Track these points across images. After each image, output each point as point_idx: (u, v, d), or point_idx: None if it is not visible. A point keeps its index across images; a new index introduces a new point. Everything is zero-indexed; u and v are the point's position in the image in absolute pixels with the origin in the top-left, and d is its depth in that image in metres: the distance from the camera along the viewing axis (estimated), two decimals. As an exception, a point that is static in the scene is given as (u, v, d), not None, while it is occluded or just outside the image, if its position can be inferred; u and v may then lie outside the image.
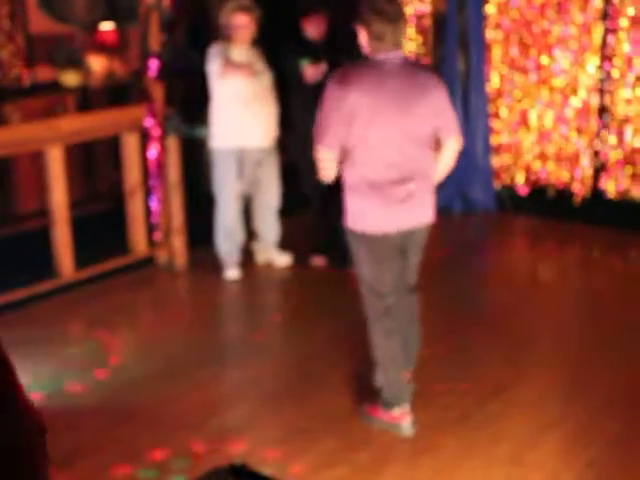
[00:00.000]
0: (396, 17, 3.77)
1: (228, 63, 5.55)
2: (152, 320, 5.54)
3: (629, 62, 6.76)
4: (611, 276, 5.99)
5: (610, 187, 7.01)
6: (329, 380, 4.46)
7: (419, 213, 3.90)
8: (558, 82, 7.14)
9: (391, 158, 3.78)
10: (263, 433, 4.05)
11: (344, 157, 3.82)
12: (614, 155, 6.96)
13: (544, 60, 7.18)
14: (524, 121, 7.40)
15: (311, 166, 5.86)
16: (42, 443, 1.30)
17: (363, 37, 3.84)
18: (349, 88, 3.71)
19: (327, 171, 3.85)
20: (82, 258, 5.83)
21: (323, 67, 5.64)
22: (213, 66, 5.60)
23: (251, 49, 5.82)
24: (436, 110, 3.86)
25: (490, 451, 3.85)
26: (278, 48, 5.89)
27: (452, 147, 3.99)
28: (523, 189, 7.51)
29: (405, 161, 3.80)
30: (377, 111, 3.72)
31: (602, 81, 6.93)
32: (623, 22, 6.73)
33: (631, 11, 6.66)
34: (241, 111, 5.70)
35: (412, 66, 3.90)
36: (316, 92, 5.74)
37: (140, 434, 4.04)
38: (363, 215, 3.85)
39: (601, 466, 3.72)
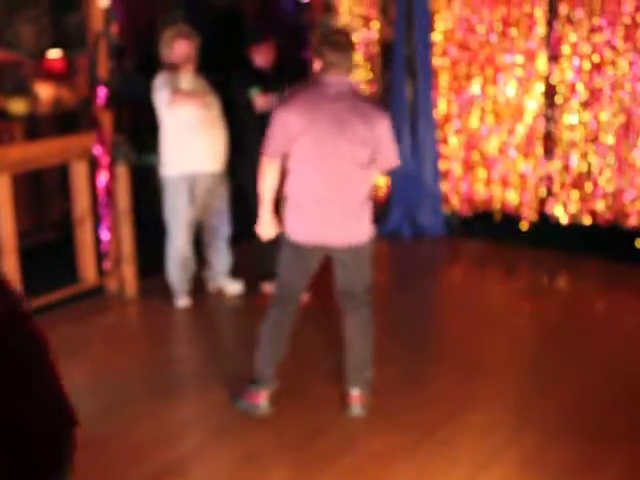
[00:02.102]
0: (346, 47, 4.08)
1: (177, 92, 5.54)
2: (103, 350, 5.48)
3: (572, 88, 6.90)
4: (560, 300, 6.07)
5: (557, 211, 7.13)
6: (282, 408, 4.45)
7: (342, 233, 4.21)
8: (504, 108, 7.25)
9: (321, 177, 4.08)
10: (215, 463, 4.03)
11: (285, 171, 4.19)
12: (560, 179, 7.07)
13: (489, 87, 7.29)
14: (471, 146, 7.50)
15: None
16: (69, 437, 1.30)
17: (317, 65, 4.10)
18: (289, 107, 4.04)
19: (266, 184, 4.21)
20: (31, 288, 5.75)
21: (273, 96, 5.67)
22: (161, 95, 5.58)
23: (198, 77, 5.83)
24: (375, 140, 4.09)
25: (445, 476, 3.87)
26: (227, 77, 5.90)
27: (374, 177, 4.38)
28: (472, 214, 7.60)
29: (334, 181, 4.09)
30: (312, 131, 4.01)
31: (547, 107, 7.05)
32: (565, 49, 6.86)
33: (573, 38, 6.80)
34: (191, 138, 5.70)
35: (356, 94, 4.16)
36: (266, 120, 5.78)
37: (92, 469, 3.99)
38: (290, 223, 4.20)
39: (553, 489, 3.76)
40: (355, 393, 4.40)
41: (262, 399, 4.39)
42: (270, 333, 4.36)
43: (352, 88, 4.12)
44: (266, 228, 4.32)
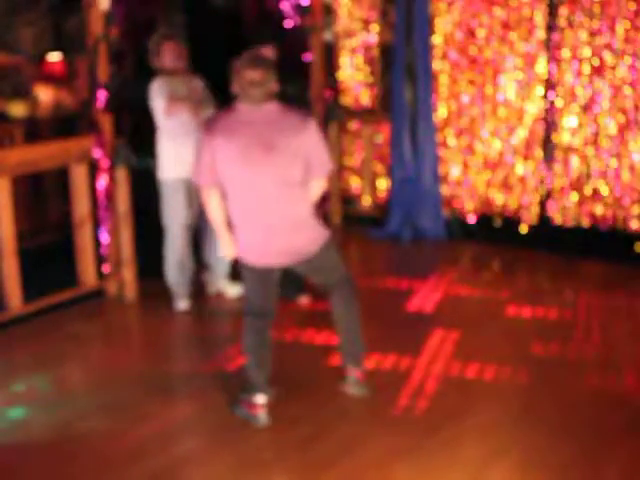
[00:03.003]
0: (259, 84, 4.08)
1: (173, 100, 5.55)
2: (102, 353, 5.48)
3: (572, 92, 6.90)
4: (559, 302, 6.07)
5: (557, 214, 7.13)
6: (281, 410, 4.44)
7: (291, 251, 4.23)
8: (504, 112, 7.26)
9: (255, 200, 4.12)
10: (215, 466, 4.02)
11: (223, 195, 4.22)
12: (560, 183, 7.08)
13: (489, 90, 7.29)
14: (471, 150, 7.50)
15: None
16: None
17: (235, 88, 4.16)
18: (214, 135, 4.08)
19: (212, 211, 4.26)
20: (31, 291, 5.76)
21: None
22: (157, 103, 5.60)
23: (193, 80, 5.84)
24: (305, 151, 4.15)
25: (445, 476, 3.87)
26: (226, 80, 5.90)
27: (318, 186, 4.31)
28: (472, 217, 7.60)
29: (269, 203, 4.12)
30: (237, 155, 4.05)
31: (547, 111, 7.05)
32: (565, 53, 6.87)
33: (573, 41, 6.80)
34: (187, 142, 5.69)
35: (280, 112, 4.16)
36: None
37: (91, 470, 3.99)
38: (239, 248, 4.26)
39: (553, 491, 3.76)
40: (351, 370, 4.57)
41: (260, 411, 4.36)
42: (253, 343, 4.37)
43: (271, 111, 4.13)
44: (226, 249, 4.34)
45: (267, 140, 4.05)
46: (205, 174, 4.16)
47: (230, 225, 4.27)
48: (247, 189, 4.10)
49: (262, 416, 4.36)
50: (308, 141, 4.14)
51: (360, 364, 4.58)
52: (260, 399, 4.36)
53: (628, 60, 6.60)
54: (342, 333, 4.56)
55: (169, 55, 5.70)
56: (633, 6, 6.50)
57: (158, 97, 5.59)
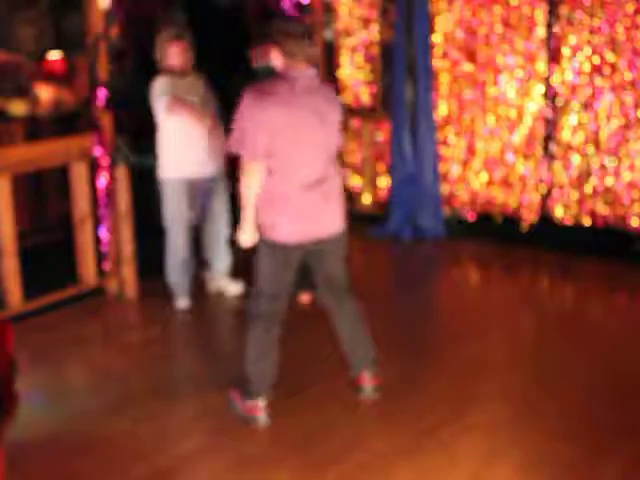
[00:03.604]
0: (302, 36, 4.03)
1: (176, 101, 5.54)
2: (102, 351, 5.48)
3: (573, 90, 6.90)
4: (560, 301, 6.07)
5: (558, 212, 7.13)
6: (282, 408, 4.44)
7: (329, 224, 4.19)
8: (504, 110, 7.26)
9: (308, 171, 4.04)
10: (216, 465, 4.02)
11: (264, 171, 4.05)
12: (560, 181, 7.07)
13: (490, 88, 7.29)
14: (471, 148, 7.50)
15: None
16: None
17: (276, 57, 4.07)
18: (264, 104, 3.94)
19: (252, 187, 4.03)
20: (31, 289, 5.76)
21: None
22: (159, 102, 5.59)
23: (196, 79, 5.84)
24: (339, 125, 4.19)
25: (445, 476, 3.87)
26: (227, 79, 5.90)
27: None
28: (472, 215, 7.60)
29: (321, 173, 4.08)
30: (293, 126, 3.96)
31: (547, 109, 7.05)
32: (566, 51, 6.87)
33: (573, 39, 6.81)
34: (188, 141, 5.70)
35: (322, 84, 4.19)
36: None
37: (90, 470, 3.99)
38: (276, 226, 4.09)
39: (553, 490, 3.76)
40: (367, 375, 4.48)
41: (261, 412, 4.33)
42: (264, 344, 4.26)
43: (316, 78, 4.11)
44: (248, 235, 4.15)
45: (318, 109, 4.02)
46: (256, 147, 3.96)
47: (263, 205, 4.09)
48: (301, 161, 4.01)
49: (263, 417, 4.34)
50: (340, 116, 4.17)
51: (376, 365, 4.51)
52: (262, 402, 4.32)
53: (629, 58, 6.60)
54: (353, 344, 4.48)
55: (175, 54, 5.69)
56: (632, 6, 6.50)
57: (160, 96, 5.58)
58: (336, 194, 4.20)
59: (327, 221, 4.17)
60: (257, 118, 3.94)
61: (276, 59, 4.08)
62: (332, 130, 4.11)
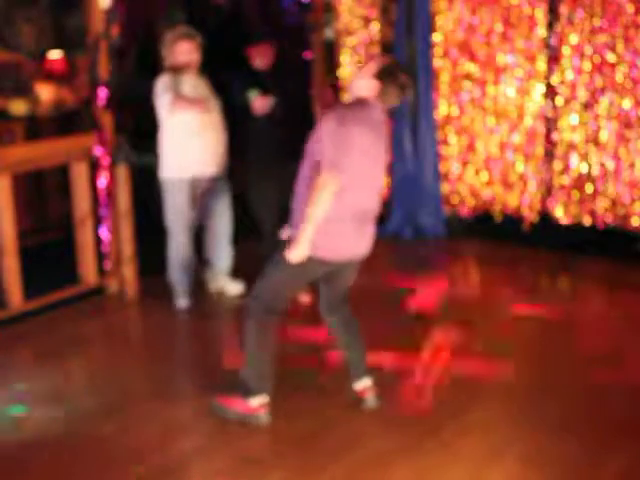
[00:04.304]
0: (408, 90, 4.17)
1: (179, 97, 5.53)
2: (103, 351, 5.49)
3: (573, 89, 6.90)
4: (560, 300, 6.07)
5: (558, 212, 7.13)
6: (280, 409, 4.44)
7: (365, 246, 4.28)
8: (504, 109, 7.25)
9: (368, 193, 4.15)
10: (215, 464, 4.02)
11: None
12: (560, 181, 7.07)
13: (490, 88, 7.29)
14: (472, 148, 7.50)
15: (262, 196, 5.90)
16: None
17: (369, 89, 4.11)
18: (355, 124, 4.02)
19: (326, 202, 3.99)
20: (31, 288, 5.77)
21: (271, 99, 5.67)
22: (163, 99, 5.57)
23: (199, 78, 5.83)
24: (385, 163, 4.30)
25: (446, 476, 3.87)
26: (226, 79, 5.89)
27: None
28: (472, 215, 7.60)
29: (375, 196, 4.20)
30: (371, 149, 4.08)
31: (547, 108, 7.05)
32: (566, 50, 6.87)
33: (573, 39, 6.81)
34: (191, 140, 5.69)
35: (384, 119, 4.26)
36: (265, 123, 5.78)
37: (92, 469, 3.99)
38: (333, 241, 4.10)
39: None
40: (368, 385, 4.48)
41: (261, 410, 4.34)
42: (262, 339, 4.28)
43: (384, 110, 4.22)
44: (302, 251, 4.04)
45: (383, 137, 4.16)
46: (339, 161, 3.97)
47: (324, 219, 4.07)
48: (366, 182, 4.11)
49: (264, 416, 4.34)
50: (386, 152, 4.27)
51: (368, 373, 4.51)
52: (262, 399, 4.34)
53: (629, 58, 6.60)
54: (353, 351, 4.49)
55: (183, 53, 5.67)
56: (633, 4, 6.50)
57: (164, 93, 5.56)
58: (374, 220, 4.28)
59: (364, 243, 4.25)
60: (348, 135, 3.99)
61: (367, 89, 4.12)
62: (383, 164, 4.22)
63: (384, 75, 4.10)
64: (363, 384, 4.48)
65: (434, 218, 7.63)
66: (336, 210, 4.04)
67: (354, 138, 3.99)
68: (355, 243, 4.19)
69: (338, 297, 4.43)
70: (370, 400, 4.48)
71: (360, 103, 4.13)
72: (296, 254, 4.04)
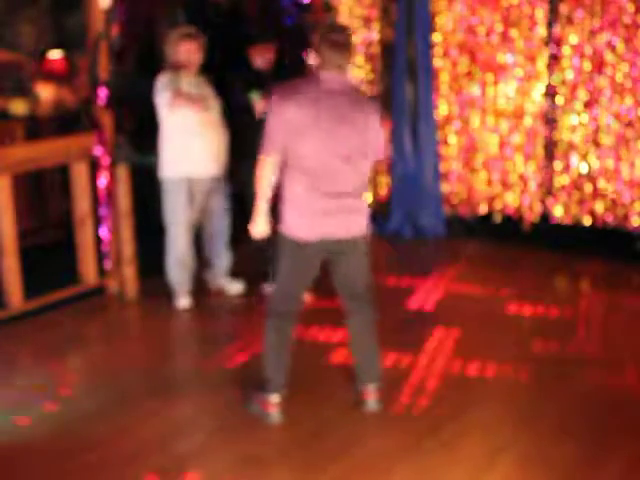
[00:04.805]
0: (344, 46, 4.11)
1: (178, 94, 5.52)
2: (103, 350, 5.48)
3: (573, 89, 6.90)
4: (560, 300, 6.07)
5: (558, 212, 7.13)
6: (283, 407, 4.44)
7: (350, 225, 4.22)
8: (504, 109, 7.26)
9: (323, 170, 4.07)
10: (216, 464, 4.03)
11: (283, 168, 4.14)
12: (561, 181, 7.08)
13: (490, 87, 7.29)
14: (472, 147, 7.50)
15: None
16: None
17: (314, 61, 4.14)
18: (287, 102, 4.03)
19: (264, 178, 4.12)
20: (31, 288, 5.77)
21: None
22: (162, 97, 5.57)
23: (200, 78, 5.83)
24: (369, 131, 4.15)
25: (446, 476, 3.87)
26: (227, 79, 5.89)
27: (369, 169, 4.31)
28: (472, 215, 7.60)
29: (337, 174, 4.10)
30: (312, 125, 4.01)
31: (547, 108, 7.05)
32: (566, 50, 6.87)
33: (573, 39, 6.81)
34: (190, 140, 5.69)
35: (353, 89, 4.20)
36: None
37: (92, 469, 4.00)
38: (295, 224, 4.15)
39: (553, 489, 3.77)
40: (371, 389, 4.46)
41: (273, 409, 4.36)
42: (274, 341, 4.34)
43: (348, 84, 4.16)
44: (260, 226, 4.25)
45: (342, 112, 4.05)
46: (274, 141, 4.06)
47: (285, 198, 4.16)
48: (319, 159, 4.05)
49: (275, 414, 4.36)
50: (372, 123, 4.15)
51: (380, 379, 4.51)
52: (275, 398, 4.36)
53: (629, 58, 6.60)
54: (362, 353, 4.50)
55: (185, 52, 5.68)
56: (633, 4, 6.50)
57: (163, 90, 5.57)
58: (356, 196, 4.19)
59: (346, 222, 4.20)
60: (281, 114, 4.03)
61: (313, 61, 4.15)
62: (354, 133, 4.09)
63: (319, 42, 4.09)
64: (368, 388, 4.48)
65: (434, 218, 7.63)
66: (295, 188, 4.11)
67: (288, 114, 3.99)
68: (326, 221, 4.13)
69: (353, 292, 4.39)
70: (371, 403, 4.48)
71: (306, 79, 4.18)
72: (255, 229, 4.26)
